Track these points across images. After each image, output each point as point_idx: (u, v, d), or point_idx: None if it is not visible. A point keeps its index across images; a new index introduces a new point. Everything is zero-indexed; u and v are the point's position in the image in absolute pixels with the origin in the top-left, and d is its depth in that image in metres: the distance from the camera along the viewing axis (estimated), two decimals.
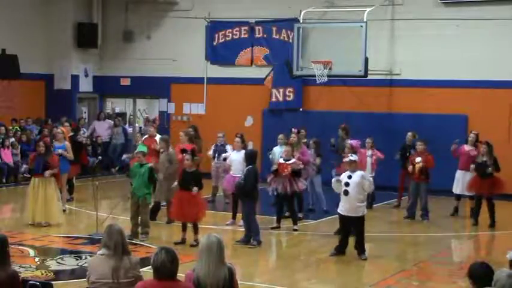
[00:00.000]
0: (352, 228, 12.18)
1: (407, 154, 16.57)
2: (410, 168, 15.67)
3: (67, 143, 15.84)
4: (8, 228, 13.41)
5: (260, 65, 21.97)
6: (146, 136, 16.47)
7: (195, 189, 12.46)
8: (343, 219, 12.16)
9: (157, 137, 16.12)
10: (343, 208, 12.07)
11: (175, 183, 13.35)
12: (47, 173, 14.16)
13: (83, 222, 15.06)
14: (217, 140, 17.07)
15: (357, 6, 19.08)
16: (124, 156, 20.07)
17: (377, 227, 14.61)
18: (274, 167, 14.19)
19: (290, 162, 14.00)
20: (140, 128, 23.99)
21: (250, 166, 12.93)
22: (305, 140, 16.17)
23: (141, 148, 13.75)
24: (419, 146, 15.76)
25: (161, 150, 14.94)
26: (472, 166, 15.52)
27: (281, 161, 14.16)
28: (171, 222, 14.33)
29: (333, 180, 12.27)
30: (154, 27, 23.37)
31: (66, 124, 18.04)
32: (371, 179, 12.39)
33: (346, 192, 11.90)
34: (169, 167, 14.55)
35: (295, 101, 21.45)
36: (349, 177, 11.94)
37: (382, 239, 13.90)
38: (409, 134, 17.18)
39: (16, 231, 13.48)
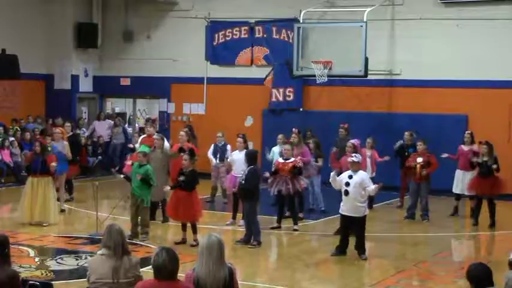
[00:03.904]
0: (352, 229, 12.19)
1: (406, 154, 16.52)
2: (412, 164, 15.59)
3: (65, 143, 15.82)
4: (8, 228, 13.41)
5: (260, 65, 21.95)
6: (144, 136, 16.27)
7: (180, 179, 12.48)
8: (344, 219, 12.17)
9: (155, 136, 15.91)
10: (344, 208, 12.09)
11: (168, 187, 13.34)
12: (53, 165, 14.14)
13: (83, 222, 15.04)
14: (216, 140, 17.01)
15: (357, 6, 19.07)
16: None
17: (377, 227, 14.60)
18: (274, 168, 14.19)
19: (289, 161, 14.00)
20: (141, 128, 23.91)
21: (252, 166, 12.92)
22: (309, 141, 16.15)
23: (143, 148, 13.72)
24: (420, 146, 15.72)
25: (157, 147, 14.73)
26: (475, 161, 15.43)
27: (280, 160, 14.17)
28: (167, 221, 14.33)
29: (331, 174, 12.29)
30: (154, 27, 23.35)
31: (67, 124, 18.04)
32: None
33: (346, 192, 11.91)
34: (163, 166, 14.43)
35: (295, 101, 21.43)
36: (350, 177, 11.95)
37: (382, 239, 13.90)
38: (407, 133, 17.11)
39: (16, 231, 13.49)
